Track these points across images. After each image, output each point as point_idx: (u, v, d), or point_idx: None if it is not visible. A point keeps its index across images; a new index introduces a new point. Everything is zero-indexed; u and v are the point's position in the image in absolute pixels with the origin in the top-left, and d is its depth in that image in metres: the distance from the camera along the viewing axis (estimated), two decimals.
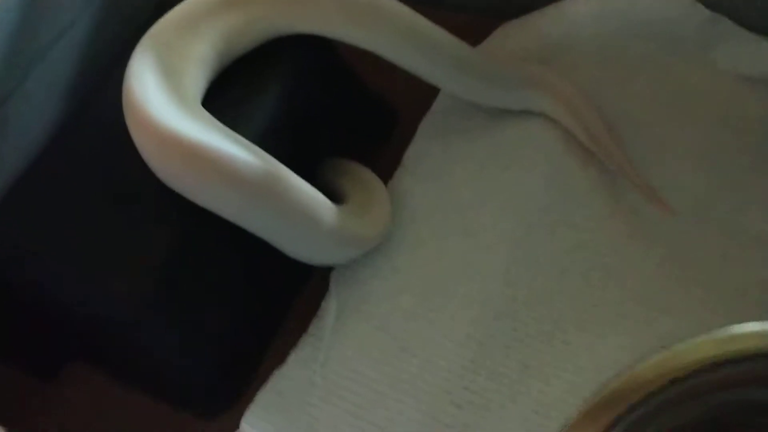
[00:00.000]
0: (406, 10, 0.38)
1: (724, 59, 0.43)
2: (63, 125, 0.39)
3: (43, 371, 0.41)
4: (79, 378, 0.41)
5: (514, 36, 0.45)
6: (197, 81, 0.36)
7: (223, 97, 0.38)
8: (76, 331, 0.38)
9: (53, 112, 0.42)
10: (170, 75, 0.34)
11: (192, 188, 0.33)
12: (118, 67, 0.36)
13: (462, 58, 0.40)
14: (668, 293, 0.38)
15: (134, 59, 0.34)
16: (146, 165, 0.35)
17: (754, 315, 0.35)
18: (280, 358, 0.39)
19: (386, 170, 0.43)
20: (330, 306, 0.39)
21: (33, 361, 0.41)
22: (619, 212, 0.40)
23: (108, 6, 0.43)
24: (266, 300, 0.40)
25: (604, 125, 0.41)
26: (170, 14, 0.36)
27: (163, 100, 0.33)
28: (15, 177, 0.38)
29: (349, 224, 0.37)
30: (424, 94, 0.45)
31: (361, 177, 0.41)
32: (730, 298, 0.37)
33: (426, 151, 0.43)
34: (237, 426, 0.37)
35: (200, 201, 0.33)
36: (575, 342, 0.37)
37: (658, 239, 0.39)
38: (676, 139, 0.42)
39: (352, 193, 0.40)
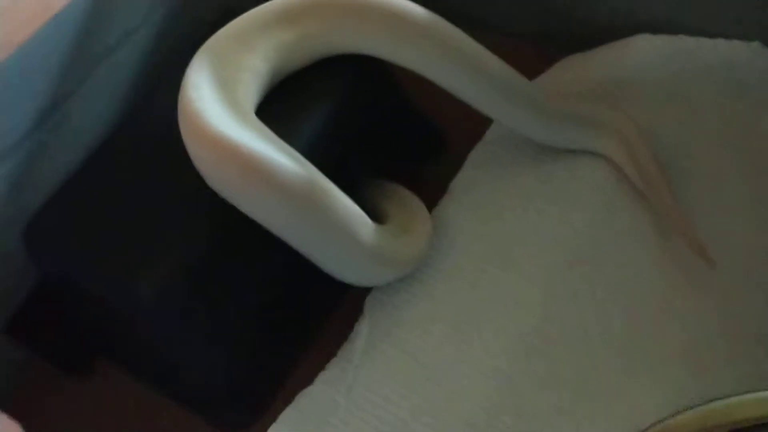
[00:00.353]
0: (458, 35, 0.37)
1: None
2: (117, 127, 0.40)
3: (72, 366, 0.42)
4: (104, 378, 0.42)
5: (575, 69, 0.45)
6: (251, 93, 0.36)
7: (274, 110, 0.38)
8: (105, 328, 0.39)
9: (112, 114, 0.43)
10: (225, 86, 0.35)
11: (242, 196, 0.33)
12: (174, 74, 0.37)
13: (514, 88, 0.39)
14: (713, 348, 0.36)
15: (191, 69, 0.35)
16: (191, 172, 0.35)
17: None
18: (308, 379, 0.38)
19: (432, 196, 0.43)
20: (362, 329, 0.39)
21: (64, 354, 0.42)
22: (666, 258, 0.39)
23: (174, 13, 0.44)
24: (298, 316, 0.40)
25: (659, 168, 0.40)
26: (227, 27, 0.36)
27: (219, 109, 0.33)
28: (67, 174, 0.39)
29: (388, 245, 0.37)
30: (477, 122, 0.44)
31: (404, 200, 0.41)
32: None
33: (473, 181, 0.43)
34: None
35: (248, 209, 0.34)
36: (613, 388, 0.36)
37: (705, 291, 0.37)
38: (733, 190, 0.40)
39: (394, 215, 0.40)
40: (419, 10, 0.37)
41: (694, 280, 0.38)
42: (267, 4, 0.37)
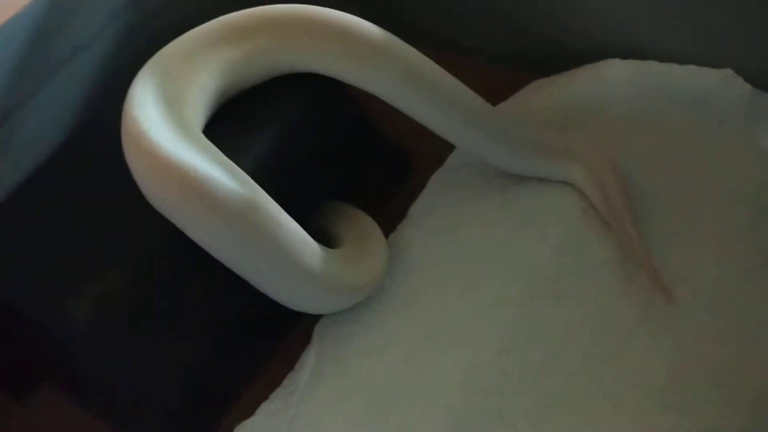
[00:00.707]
0: (413, 54, 0.36)
1: (766, 138, 0.39)
2: (60, 144, 0.39)
3: (18, 390, 0.40)
4: (50, 404, 0.40)
5: (542, 94, 0.43)
6: (198, 111, 0.35)
7: (224, 128, 0.37)
8: (44, 351, 0.37)
9: (63, 129, 0.42)
10: (170, 104, 0.34)
11: (181, 215, 0.32)
12: (126, 90, 0.36)
13: (473, 111, 0.37)
14: (674, 389, 0.34)
15: (134, 88, 0.34)
16: (134, 193, 0.34)
17: None
18: (254, 406, 0.37)
19: (392, 221, 0.41)
20: (308, 359, 0.37)
21: (8, 378, 0.40)
22: (631, 291, 0.37)
23: (131, 27, 0.43)
24: (248, 339, 0.38)
25: (625, 200, 0.38)
26: (173, 44, 0.35)
27: (161, 126, 0.32)
28: (11, 191, 0.38)
29: (337, 271, 0.35)
30: (443, 147, 0.43)
31: (359, 223, 0.39)
32: (743, 405, 0.33)
33: (433, 206, 0.41)
34: None
35: (188, 230, 0.32)
36: (565, 429, 0.34)
37: (670, 328, 0.36)
38: (704, 220, 0.38)
39: (348, 239, 0.38)
40: (371, 28, 0.35)
41: (660, 317, 0.36)
42: (214, 20, 0.35)
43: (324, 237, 0.37)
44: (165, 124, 0.32)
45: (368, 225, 0.39)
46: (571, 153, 0.40)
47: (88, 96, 0.42)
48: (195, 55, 0.34)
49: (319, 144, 0.39)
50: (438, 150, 0.43)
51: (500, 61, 0.46)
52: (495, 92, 0.44)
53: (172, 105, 0.33)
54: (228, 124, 0.37)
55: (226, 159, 0.33)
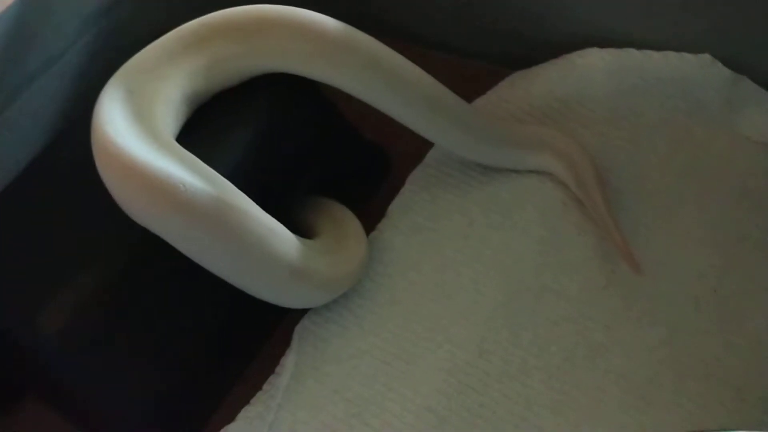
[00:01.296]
0: (374, 44, 0.35)
1: (747, 124, 0.39)
2: (38, 158, 0.39)
3: (1, 401, 0.40)
4: (36, 417, 0.40)
5: (521, 85, 0.42)
6: (168, 120, 0.35)
7: (198, 133, 0.36)
8: (19, 364, 0.37)
9: (38, 142, 0.41)
10: (139, 115, 0.34)
11: (151, 218, 0.32)
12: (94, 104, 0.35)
13: (437, 99, 0.37)
14: (658, 382, 0.33)
15: (100, 104, 0.34)
16: (104, 204, 0.34)
17: (752, 418, 0.31)
18: (233, 413, 0.37)
19: (374, 221, 0.41)
20: (288, 363, 0.37)
21: None
22: (615, 285, 0.36)
23: (102, 37, 0.43)
24: (220, 353, 0.38)
25: (600, 187, 0.37)
26: (135, 58, 0.35)
27: (129, 134, 0.32)
28: None
29: (313, 261, 0.35)
30: (423, 147, 0.42)
31: (339, 216, 0.39)
32: (727, 398, 0.32)
33: (412, 203, 0.40)
34: None
35: (161, 232, 0.32)
36: (547, 427, 0.33)
37: (655, 320, 0.35)
38: (686, 209, 0.38)
39: (326, 231, 0.38)
40: (327, 21, 0.35)
41: (645, 310, 0.36)
42: (172, 32, 0.35)
43: (301, 228, 0.37)
44: (134, 133, 0.32)
45: (346, 217, 0.39)
46: (549, 146, 0.39)
47: (60, 108, 0.41)
48: (157, 67, 0.34)
49: (294, 144, 0.38)
50: (419, 149, 0.42)
51: (480, 58, 0.46)
52: (480, 90, 0.44)
53: (141, 117, 0.33)
54: (201, 130, 0.36)
55: (199, 162, 0.33)
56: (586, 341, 0.35)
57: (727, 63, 0.39)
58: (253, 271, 0.34)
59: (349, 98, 0.38)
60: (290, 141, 0.38)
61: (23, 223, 0.36)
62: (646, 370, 0.34)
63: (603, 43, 0.41)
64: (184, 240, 0.32)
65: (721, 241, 0.36)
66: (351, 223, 0.39)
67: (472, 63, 0.46)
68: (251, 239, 0.32)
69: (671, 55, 0.40)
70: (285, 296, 0.36)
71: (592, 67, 0.41)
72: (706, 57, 0.39)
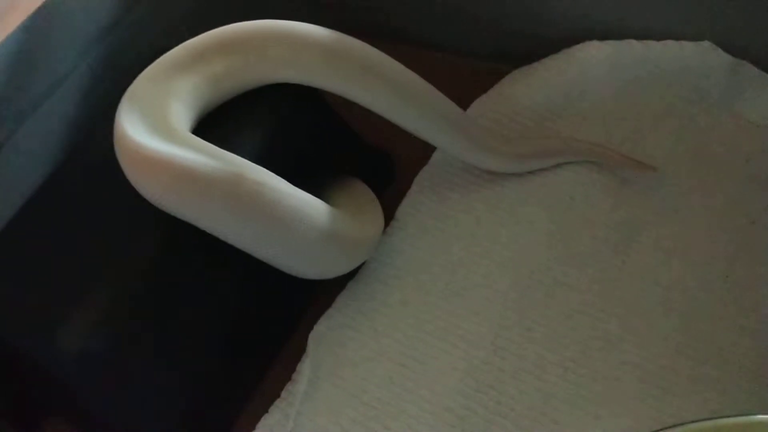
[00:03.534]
0: (369, 50, 0.36)
1: (750, 108, 0.38)
2: (50, 178, 0.39)
3: (22, 424, 0.40)
4: None
5: (523, 82, 0.42)
6: (180, 123, 0.35)
7: (207, 138, 0.37)
8: (41, 385, 0.37)
9: (47, 164, 0.42)
10: (154, 116, 0.35)
11: (180, 205, 0.33)
12: (109, 121, 0.36)
13: (430, 104, 0.38)
14: (674, 370, 0.33)
15: (120, 115, 0.35)
16: (124, 218, 0.34)
17: None
18: (253, 422, 0.37)
19: (385, 225, 0.41)
20: (305, 369, 0.37)
21: (13, 412, 0.40)
22: (627, 276, 0.36)
23: (105, 58, 0.43)
24: (236, 365, 0.38)
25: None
26: (149, 68, 0.36)
27: (149, 131, 0.33)
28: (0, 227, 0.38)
29: (342, 224, 0.36)
30: (428, 150, 0.42)
31: (350, 185, 0.40)
32: (744, 382, 0.32)
33: (420, 205, 0.41)
34: None
35: (194, 219, 0.33)
36: (566, 421, 0.33)
37: (669, 309, 0.35)
38: (694, 196, 0.38)
39: (343, 200, 0.38)
40: (325, 33, 0.36)
41: (659, 298, 0.36)
42: (179, 46, 0.36)
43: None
44: (153, 130, 0.33)
45: (360, 188, 0.40)
46: (561, 154, 0.40)
47: (66, 130, 0.42)
48: (168, 79, 0.35)
49: (296, 149, 0.38)
50: (424, 152, 0.42)
51: (480, 57, 0.46)
52: (483, 89, 0.44)
53: (157, 121, 0.34)
54: (206, 138, 0.37)
55: (219, 149, 0.33)
56: (600, 333, 0.35)
57: (727, 49, 0.39)
58: (289, 243, 0.34)
59: (351, 104, 0.38)
60: (294, 147, 0.38)
61: (40, 244, 0.36)
62: (662, 359, 0.34)
63: (603, 35, 0.41)
64: (214, 220, 0.33)
65: (731, 227, 0.36)
66: (365, 191, 0.40)
67: (472, 61, 0.47)
68: (284, 211, 0.33)
69: (671, 44, 0.40)
70: (313, 263, 0.36)
71: (592, 59, 0.41)
72: (706, 44, 0.39)
